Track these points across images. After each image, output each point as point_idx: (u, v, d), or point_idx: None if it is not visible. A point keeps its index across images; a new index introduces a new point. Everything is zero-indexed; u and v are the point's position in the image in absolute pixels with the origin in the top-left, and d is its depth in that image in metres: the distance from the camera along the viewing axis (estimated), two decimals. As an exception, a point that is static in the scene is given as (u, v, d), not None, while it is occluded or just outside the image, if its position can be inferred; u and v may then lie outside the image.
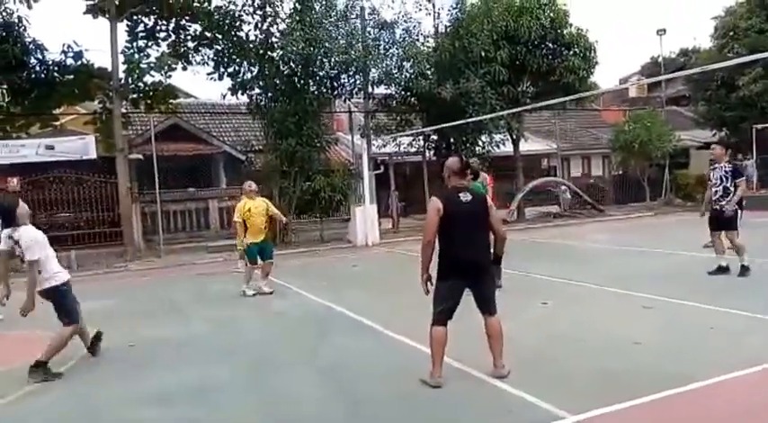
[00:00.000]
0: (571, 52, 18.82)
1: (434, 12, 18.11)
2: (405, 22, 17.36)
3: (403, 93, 17.71)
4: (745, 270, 8.09)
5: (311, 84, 16.09)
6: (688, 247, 10.88)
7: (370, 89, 17.69)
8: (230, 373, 5.29)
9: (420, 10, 17.99)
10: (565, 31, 18.83)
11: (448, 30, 17.81)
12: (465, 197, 4.67)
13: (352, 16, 16.96)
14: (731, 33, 22.51)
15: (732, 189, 8.16)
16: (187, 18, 15.48)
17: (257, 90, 16.07)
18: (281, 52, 15.57)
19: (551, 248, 13.33)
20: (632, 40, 74.83)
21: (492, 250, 4.81)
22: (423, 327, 6.42)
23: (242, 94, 16.29)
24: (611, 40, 62.43)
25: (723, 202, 8.18)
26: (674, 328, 5.89)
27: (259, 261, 9.09)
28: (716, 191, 8.28)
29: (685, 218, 17.79)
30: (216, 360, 5.79)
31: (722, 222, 8.22)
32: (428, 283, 4.72)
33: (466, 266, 4.63)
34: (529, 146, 22.03)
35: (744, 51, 19.27)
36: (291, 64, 15.54)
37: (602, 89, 23.61)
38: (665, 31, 25.44)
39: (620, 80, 36.29)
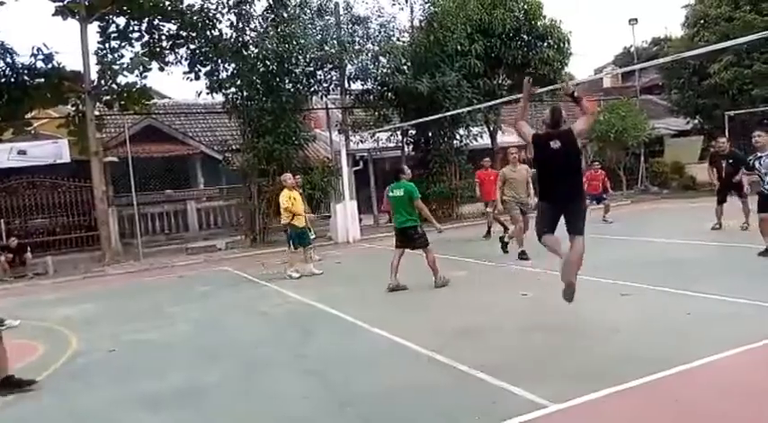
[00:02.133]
0: (545, 44, 18.98)
1: (409, 6, 18.13)
2: (379, 16, 17.39)
3: (380, 88, 17.72)
4: None
5: (287, 81, 16.03)
6: (665, 234, 11.09)
7: (346, 85, 17.68)
8: (216, 375, 5.27)
9: (394, 4, 17.93)
10: (539, 23, 18.97)
11: (422, 24, 17.84)
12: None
13: (327, 12, 16.92)
14: (701, 22, 22.82)
15: None
16: (160, 18, 15.28)
17: (233, 89, 15.95)
18: (256, 50, 15.48)
19: (529, 239, 13.36)
20: (606, 31, 75.61)
21: None
22: (409, 323, 6.51)
23: (218, 93, 16.17)
24: (585, 31, 62.94)
25: None
26: (651, 314, 5.98)
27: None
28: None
29: (662, 206, 18.09)
30: (201, 362, 5.76)
31: None
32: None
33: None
34: (506, 138, 22.15)
35: (714, 39, 19.57)
36: (267, 62, 15.46)
37: (577, 80, 23.79)
38: (636, 20, 25.74)
39: (595, 70, 36.66)
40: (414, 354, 5.37)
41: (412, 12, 18.15)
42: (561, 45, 19.14)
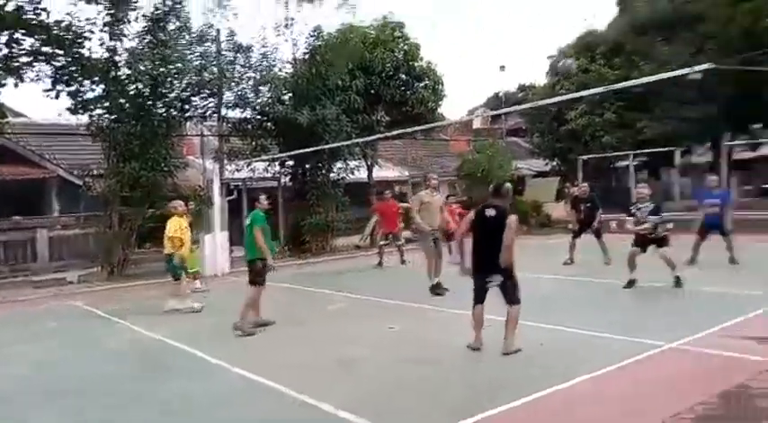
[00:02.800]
0: (422, 84, 19.81)
1: (292, 39, 18.16)
2: (263, 46, 17.24)
3: (259, 117, 17.47)
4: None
5: (160, 105, 15.33)
6: (525, 268, 11.73)
7: (224, 112, 17.25)
8: (54, 420, 4.77)
9: (279, 35, 17.90)
10: (416, 64, 19.78)
11: (306, 57, 17.93)
12: None
13: (208, 38, 16.51)
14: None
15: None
16: (24, 32, 14.02)
17: (100, 110, 14.94)
18: (129, 71, 14.69)
19: (398, 273, 13.57)
20: (480, 76, 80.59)
21: None
22: (271, 360, 6.30)
23: (82, 114, 15.07)
24: (460, 74, 66.74)
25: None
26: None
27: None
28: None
29: (522, 242, 19.17)
30: (38, 405, 5.19)
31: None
32: None
33: None
34: (382, 172, 22.68)
35: (572, 89, 21.49)
36: (139, 84, 14.70)
37: (449, 120, 25.04)
38: (504, 67, 27.72)
39: (469, 112, 38.86)
40: (274, 393, 5.19)
41: (295, 44, 18.22)
42: (436, 86, 20.08)
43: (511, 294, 5.98)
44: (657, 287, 8.94)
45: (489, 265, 5.97)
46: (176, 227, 9.53)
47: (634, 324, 6.90)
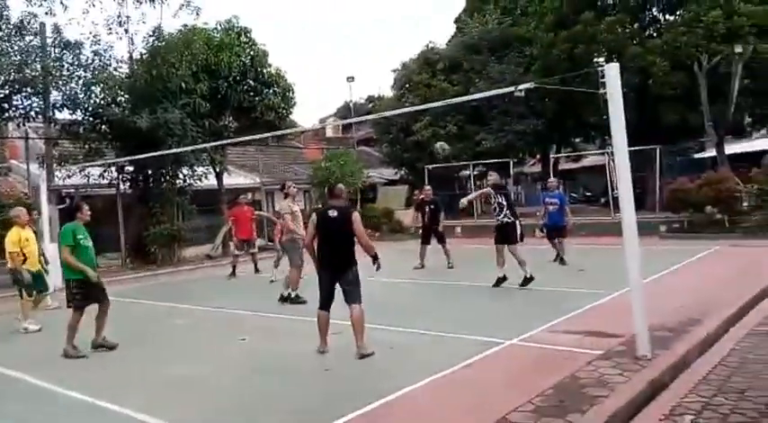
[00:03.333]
0: (271, 91, 19.52)
1: (128, 36, 16.97)
2: (95, 43, 15.92)
3: (91, 119, 16.11)
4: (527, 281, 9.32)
5: (-28, 103, 13.60)
6: (375, 273, 12.04)
7: (51, 113, 15.68)
8: None
9: (111, 33, 16.59)
10: (265, 70, 19.48)
11: (144, 57, 16.84)
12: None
13: (29, 31, 14.91)
14: (407, 85, 26.16)
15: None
16: None
17: None
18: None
19: (252, 282, 13.26)
20: (331, 85, 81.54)
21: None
22: (112, 380, 5.81)
23: None
24: (313, 83, 67.06)
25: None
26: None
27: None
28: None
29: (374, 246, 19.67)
30: None
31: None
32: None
33: None
34: (233, 179, 22.03)
35: (417, 101, 22.50)
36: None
37: (300, 128, 25.04)
38: (353, 78, 28.34)
39: (320, 120, 39.13)
40: (113, 415, 4.80)
41: (132, 42, 17.05)
42: (286, 93, 19.92)
43: (352, 292, 6.15)
44: (502, 287, 9.53)
45: (337, 264, 6.18)
46: (16, 239, 8.45)
47: (478, 323, 7.32)
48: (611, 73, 5.47)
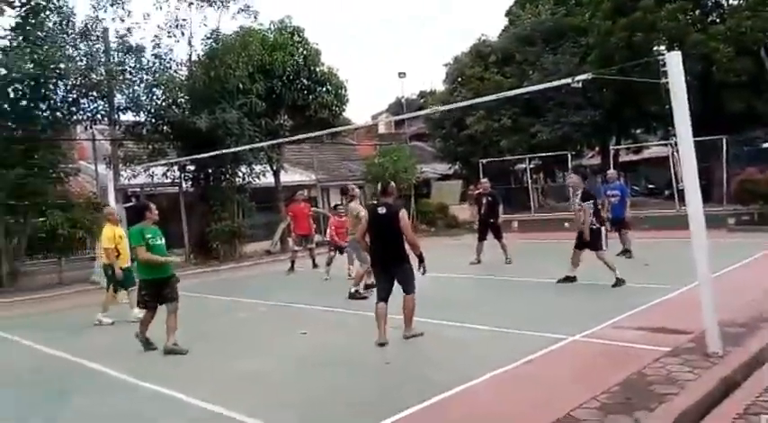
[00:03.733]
0: (324, 89, 19.75)
1: (187, 39, 17.51)
2: (156, 47, 16.51)
3: (154, 120, 16.71)
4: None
5: (44, 108, 14.30)
6: (430, 268, 12.00)
7: (116, 116, 16.35)
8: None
9: (170, 36, 17.13)
10: (318, 69, 19.71)
11: (202, 59, 17.34)
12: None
13: (93, 36, 15.58)
14: (459, 79, 25.91)
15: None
16: None
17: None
18: (4, 72, 13.55)
19: (310, 277, 13.45)
20: (383, 82, 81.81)
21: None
22: (182, 373, 6.04)
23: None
24: (364, 80, 67.47)
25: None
26: (415, 345, 6.39)
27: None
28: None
29: (428, 244, 19.63)
30: None
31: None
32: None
33: None
34: (290, 177, 22.42)
35: (469, 95, 22.26)
36: (18, 85, 13.61)
37: (354, 125, 25.22)
38: (405, 74, 28.27)
39: (372, 117, 39.30)
40: (185, 406, 4.98)
41: (191, 45, 17.57)
42: (339, 91, 20.10)
43: (406, 285, 6.39)
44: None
45: (387, 258, 6.40)
46: (111, 235, 8.77)
47: (539, 318, 7.20)
48: (673, 62, 5.25)
